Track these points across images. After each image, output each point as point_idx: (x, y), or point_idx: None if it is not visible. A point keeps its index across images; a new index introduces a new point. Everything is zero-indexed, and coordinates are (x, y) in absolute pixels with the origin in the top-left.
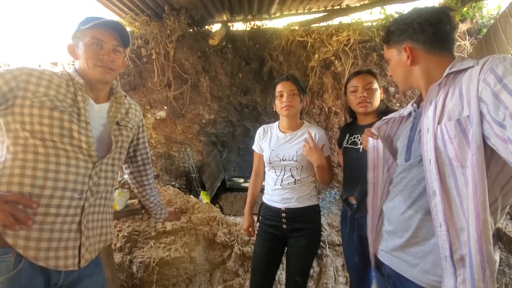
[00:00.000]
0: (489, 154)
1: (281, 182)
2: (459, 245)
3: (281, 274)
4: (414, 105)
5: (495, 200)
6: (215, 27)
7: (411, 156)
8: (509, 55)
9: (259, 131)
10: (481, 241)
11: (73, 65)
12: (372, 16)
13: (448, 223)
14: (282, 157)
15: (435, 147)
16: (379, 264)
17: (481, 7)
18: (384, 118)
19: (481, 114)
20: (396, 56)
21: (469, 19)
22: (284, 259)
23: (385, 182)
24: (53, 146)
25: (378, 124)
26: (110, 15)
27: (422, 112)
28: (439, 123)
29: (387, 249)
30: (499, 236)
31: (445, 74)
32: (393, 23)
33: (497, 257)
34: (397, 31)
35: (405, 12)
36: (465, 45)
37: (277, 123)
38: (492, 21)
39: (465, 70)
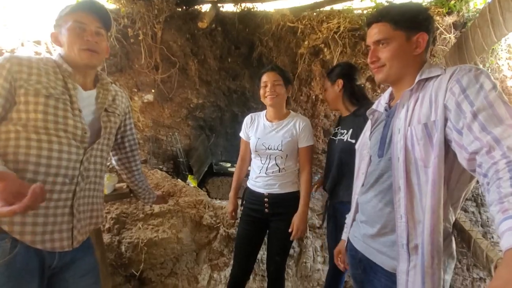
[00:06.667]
0: (452, 156)
1: (266, 170)
2: (415, 236)
3: (264, 254)
4: (386, 104)
5: (458, 197)
6: (205, 8)
7: (384, 153)
8: (474, 65)
9: (247, 119)
10: (433, 234)
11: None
12: (362, 4)
13: (408, 216)
14: (267, 146)
15: (404, 147)
16: (352, 248)
17: (468, 0)
18: (371, 108)
19: (445, 120)
20: (403, 40)
21: (455, 12)
22: (266, 240)
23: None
24: (46, 133)
25: (370, 111)
26: None
27: (395, 112)
28: (409, 125)
29: (359, 235)
30: (454, 225)
31: (416, 80)
32: (407, 10)
33: (454, 245)
34: (414, 19)
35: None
36: (450, 38)
37: (264, 111)
38: (478, 14)
39: (434, 77)
